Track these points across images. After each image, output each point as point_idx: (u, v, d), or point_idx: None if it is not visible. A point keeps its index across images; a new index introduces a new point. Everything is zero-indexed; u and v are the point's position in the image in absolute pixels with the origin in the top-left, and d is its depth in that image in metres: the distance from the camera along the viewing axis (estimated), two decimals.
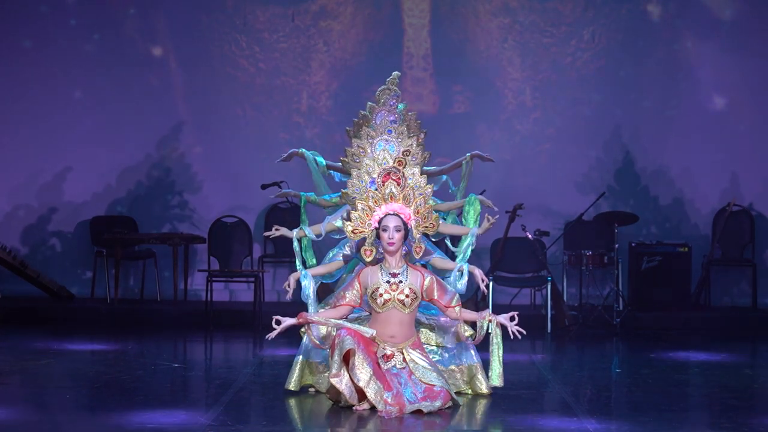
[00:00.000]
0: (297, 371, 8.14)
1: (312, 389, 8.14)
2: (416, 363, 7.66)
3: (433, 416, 7.43)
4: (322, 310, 8.03)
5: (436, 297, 7.80)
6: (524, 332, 7.83)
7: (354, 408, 7.44)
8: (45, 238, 13.80)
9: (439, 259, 8.30)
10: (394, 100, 8.51)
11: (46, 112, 13.71)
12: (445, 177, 9.02)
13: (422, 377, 7.60)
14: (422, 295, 7.79)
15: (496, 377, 7.93)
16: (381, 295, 7.69)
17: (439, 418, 7.40)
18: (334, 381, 7.41)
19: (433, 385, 7.57)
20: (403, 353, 7.69)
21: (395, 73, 8.59)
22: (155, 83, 13.88)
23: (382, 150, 8.28)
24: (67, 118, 13.74)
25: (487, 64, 13.81)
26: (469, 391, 8.16)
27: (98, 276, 13.31)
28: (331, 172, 8.92)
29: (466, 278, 8.14)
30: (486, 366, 8.18)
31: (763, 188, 13.70)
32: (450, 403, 7.66)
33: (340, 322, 7.72)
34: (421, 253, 7.93)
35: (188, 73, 13.86)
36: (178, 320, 12.44)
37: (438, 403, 7.52)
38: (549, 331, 12.01)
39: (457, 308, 7.84)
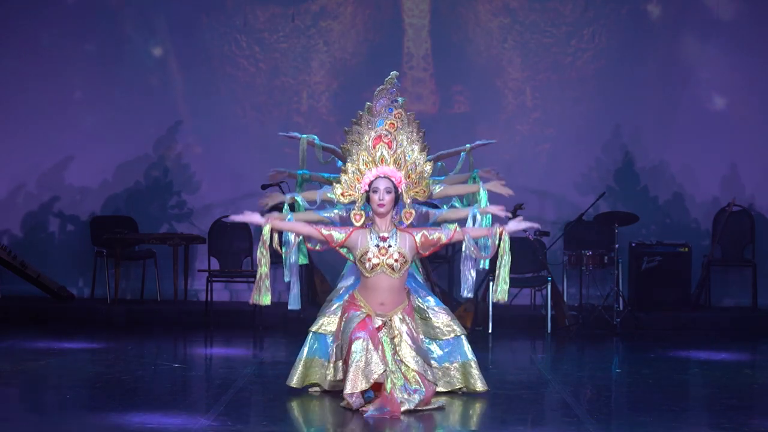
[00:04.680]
0: (300, 368, 8.08)
1: (317, 389, 8.08)
2: (402, 338, 7.54)
3: (433, 416, 7.41)
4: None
5: (436, 239, 7.61)
6: (538, 226, 7.85)
7: (362, 409, 7.41)
8: (45, 239, 13.80)
9: (448, 212, 8.13)
10: (395, 89, 8.46)
11: (45, 112, 13.72)
12: (440, 164, 8.97)
13: (404, 358, 7.51)
14: (420, 251, 7.62)
15: (501, 293, 7.78)
16: (369, 259, 7.55)
17: (439, 419, 7.39)
18: (354, 397, 7.38)
19: (415, 378, 7.48)
20: (393, 323, 7.59)
21: (393, 73, 8.58)
22: (155, 83, 13.88)
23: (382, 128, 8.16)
24: (66, 118, 13.74)
25: (487, 64, 13.82)
26: (464, 389, 8.10)
27: (98, 276, 13.31)
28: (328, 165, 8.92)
29: (485, 221, 8.06)
30: (481, 363, 8.16)
31: (764, 188, 13.70)
32: (433, 404, 7.57)
33: (310, 230, 7.65)
34: (410, 219, 7.66)
35: (188, 73, 13.87)
36: (178, 320, 12.44)
37: (417, 397, 7.45)
38: (549, 331, 12.01)
39: (458, 229, 7.69)
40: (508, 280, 7.79)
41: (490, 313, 11.97)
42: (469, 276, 8.09)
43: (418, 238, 7.62)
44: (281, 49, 13.89)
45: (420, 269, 8.55)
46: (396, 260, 7.56)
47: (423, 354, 7.60)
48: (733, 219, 13.21)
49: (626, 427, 7.16)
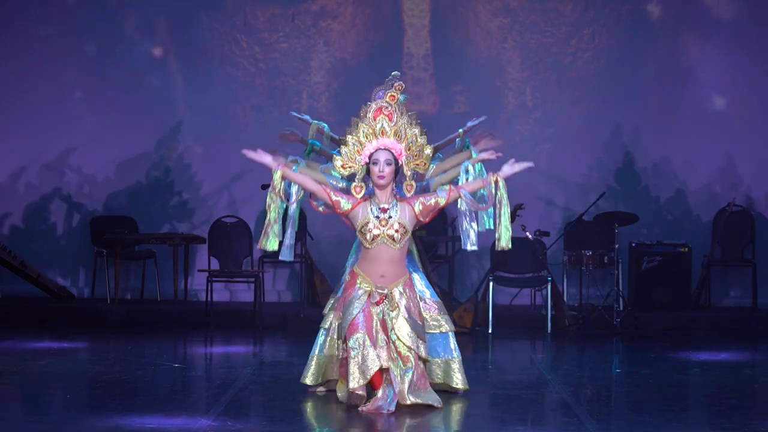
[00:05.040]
0: (313, 366, 8.01)
1: (322, 389, 8.05)
2: (399, 311, 7.54)
3: (432, 416, 7.41)
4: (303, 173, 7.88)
5: (434, 203, 7.60)
6: (531, 164, 7.81)
7: (360, 409, 7.42)
8: (45, 239, 13.79)
9: (441, 177, 8.08)
10: (395, 80, 8.42)
11: (45, 113, 13.71)
12: (439, 155, 8.90)
13: (398, 331, 7.50)
14: (421, 219, 7.62)
15: (505, 241, 7.74)
16: (370, 230, 7.55)
17: (438, 419, 7.39)
18: (357, 391, 7.42)
19: (407, 357, 7.51)
20: (393, 296, 7.58)
21: (394, 73, 8.55)
22: (155, 83, 13.88)
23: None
24: (66, 119, 13.74)
25: (487, 64, 13.82)
26: (444, 386, 8.03)
27: (98, 276, 13.31)
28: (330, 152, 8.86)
29: (478, 172, 7.96)
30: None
31: (764, 188, 13.71)
32: (429, 399, 7.56)
33: (318, 188, 7.61)
34: (411, 191, 7.66)
35: (188, 73, 13.86)
36: (178, 320, 12.44)
37: (407, 379, 7.47)
38: (549, 331, 12.01)
39: (453, 189, 7.67)
40: (510, 227, 7.74)
41: (490, 313, 11.97)
42: (470, 229, 8.01)
43: (416, 207, 7.62)
44: (281, 49, 13.88)
45: (420, 267, 8.53)
46: (396, 231, 7.57)
47: (418, 329, 7.60)
48: (733, 219, 13.21)
49: (626, 427, 7.16)
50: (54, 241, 13.82)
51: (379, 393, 7.46)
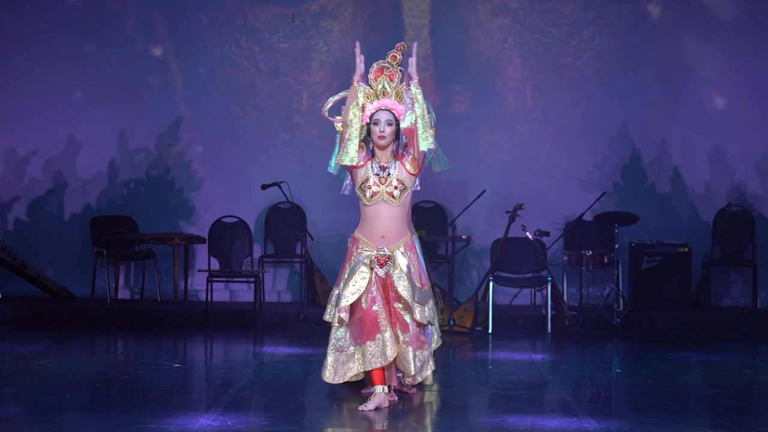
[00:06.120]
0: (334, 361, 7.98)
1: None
2: (401, 272, 7.60)
3: (432, 416, 7.41)
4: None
5: (413, 155, 7.66)
6: (416, 43, 8.01)
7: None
8: (45, 238, 13.80)
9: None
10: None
11: (44, 113, 13.71)
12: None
13: (400, 289, 7.55)
14: (413, 173, 7.65)
15: (423, 139, 7.65)
16: (369, 187, 7.63)
17: (436, 419, 7.38)
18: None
19: (407, 323, 7.58)
20: (396, 258, 7.62)
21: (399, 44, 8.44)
22: (155, 83, 13.88)
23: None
24: (66, 118, 13.74)
25: (487, 64, 13.82)
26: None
27: (98, 276, 13.31)
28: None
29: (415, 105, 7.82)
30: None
31: (764, 188, 13.71)
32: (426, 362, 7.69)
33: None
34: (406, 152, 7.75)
35: (188, 73, 13.87)
36: (178, 320, 12.45)
37: (409, 348, 7.58)
38: (549, 331, 12.01)
39: (407, 130, 7.67)
40: (425, 123, 7.66)
41: (490, 313, 11.97)
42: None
43: (407, 164, 7.69)
44: (281, 49, 13.89)
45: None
46: (396, 187, 7.64)
47: (418, 292, 7.64)
48: (733, 219, 13.21)
49: (626, 427, 7.17)
50: (54, 241, 13.82)
51: (377, 389, 7.49)
